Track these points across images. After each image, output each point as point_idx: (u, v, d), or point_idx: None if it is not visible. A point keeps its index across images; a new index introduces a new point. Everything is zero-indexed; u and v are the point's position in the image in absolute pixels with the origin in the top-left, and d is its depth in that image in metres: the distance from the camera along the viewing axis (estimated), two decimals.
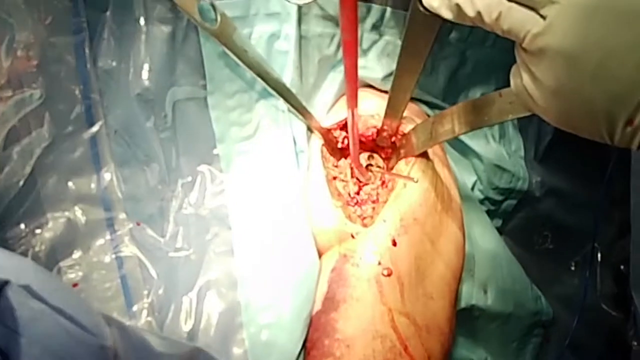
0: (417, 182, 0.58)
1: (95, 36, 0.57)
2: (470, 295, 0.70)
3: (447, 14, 0.41)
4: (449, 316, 0.64)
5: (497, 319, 0.75)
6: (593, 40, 0.34)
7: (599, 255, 0.86)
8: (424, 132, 0.60)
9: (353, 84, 0.48)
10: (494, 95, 0.50)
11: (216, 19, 0.54)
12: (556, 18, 0.34)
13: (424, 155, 0.62)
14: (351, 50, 0.43)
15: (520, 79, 0.40)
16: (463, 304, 0.69)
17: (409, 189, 0.60)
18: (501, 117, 0.49)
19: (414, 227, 0.60)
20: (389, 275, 0.57)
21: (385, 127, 0.63)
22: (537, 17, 0.36)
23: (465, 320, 0.72)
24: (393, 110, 0.60)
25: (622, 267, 0.85)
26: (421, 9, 0.43)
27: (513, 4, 0.37)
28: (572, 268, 0.87)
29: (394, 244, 0.58)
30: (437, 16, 0.42)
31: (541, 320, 0.80)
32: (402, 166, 0.62)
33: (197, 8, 0.52)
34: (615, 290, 0.87)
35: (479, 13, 0.38)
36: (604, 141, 0.38)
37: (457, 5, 0.39)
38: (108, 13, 0.56)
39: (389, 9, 0.63)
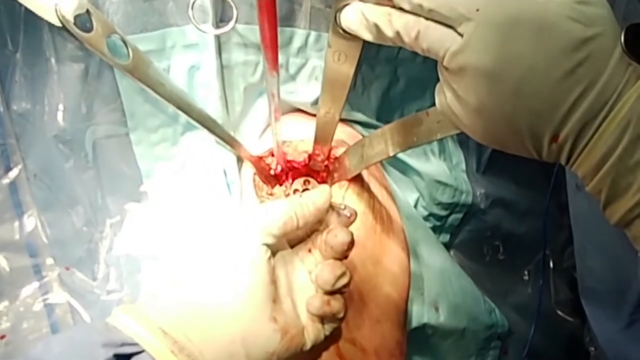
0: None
1: (7, 79, 0.55)
2: (421, 314, 0.69)
3: (367, 35, 0.40)
4: (398, 338, 0.63)
5: (451, 335, 0.74)
6: (511, 57, 0.33)
7: (550, 262, 0.87)
8: (355, 155, 0.59)
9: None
10: (421, 115, 0.49)
11: (128, 54, 0.52)
12: (473, 35, 0.34)
13: (359, 177, 0.62)
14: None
15: (444, 96, 0.39)
16: (414, 323, 0.67)
17: None
18: (430, 136, 0.48)
19: (353, 251, 0.59)
20: None
21: (317, 152, 0.62)
22: (455, 34, 0.35)
23: (419, 340, 0.71)
24: (322, 134, 0.59)
25: (574, 272, 0.86)
26: (340, 31, 0.43)
27: (430, 22, 0.36)
28: (525, 277, 0.87)
29: None
30: (357, 38, 0.41)
31: (497, 332, 0.80)
32: (336, 190, 0.61)
33: (106, 44, 0.50)
34: (570, 296, 0.87)
35: (397, 33, 0.38)
36: (532, 157, 0.38)
37: (376, 25, 0.39)
38: (18, 55, 0.54)
39: (312, 33, 0.62)
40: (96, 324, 0.40)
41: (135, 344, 0.38)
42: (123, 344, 0.37)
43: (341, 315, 0.48)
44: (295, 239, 0.50)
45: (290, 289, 0.47)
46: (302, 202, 0.47)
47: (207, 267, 0.43)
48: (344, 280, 0.48)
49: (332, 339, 0.53)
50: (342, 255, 0.49)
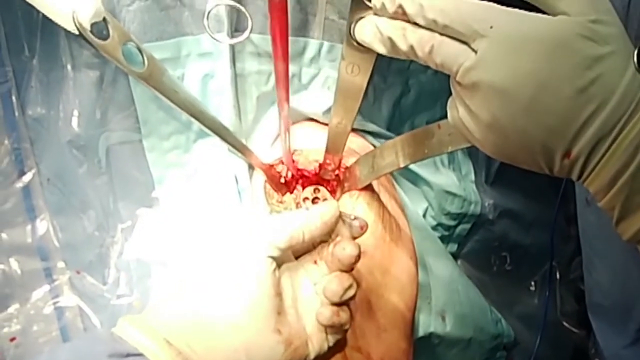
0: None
1: (23, 84, 0.56)
2: (428, 323, 0.69)
3: (381, 49, 0.40)
4: (404, 347, 0.62)
5: (457, 345, 0.74)
6: (524, 74, 0.33)
7: (557, 273, 0.87)
8: (366, 166, 0.59)
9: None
10: (432, 128, 0.49)
11: (143, 62, 0.52)
12: (486, 52, 0.34)
13: (369, 187, 0.62)
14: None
15: (457, 111, 0.39)
16: (421, 332, 0.67)
17: None
18: (441, 149, 0.48)
19: (362, 260, 0.59)
20: None
21: (327, 161, 0.62)
22: (469, 50, 0.35)
23: (425, 348, 0.71)
24: (334, 144, 0.59)
25: (581, 284, 0.86)
26: (354, 43, 0.43)
27: (445, 38, 0.36)
28: (532, 288, 0.87)
29: None
30: (371, 50, 0.42)
31: (502, 342, 0.80)
32: (346, 199, 0.62)
33: (122, 52, 0.51)
34: (576, 307, 0.87)
35: (411, 47, 0.38)
36: (543, 172, 0.38)
37: (390, 39, 0.39)
38: (34, 61, 0.55)
39: (326, 43, 0.62)
40: (102, 334, 0.40)
41: (140, 355, 0.38)
42: (128, 355, 0.38)
43: (347, 326, 0.49)
44: (300, 250, 0.50)
45: (294, 300, 0.47)
46: (309, 216, 0.47)
47: (212, 278, 0.44)
48: (351, 292, 0.48)
49: (337, 347, 0.53)
50: (349, 268, 0.49)
